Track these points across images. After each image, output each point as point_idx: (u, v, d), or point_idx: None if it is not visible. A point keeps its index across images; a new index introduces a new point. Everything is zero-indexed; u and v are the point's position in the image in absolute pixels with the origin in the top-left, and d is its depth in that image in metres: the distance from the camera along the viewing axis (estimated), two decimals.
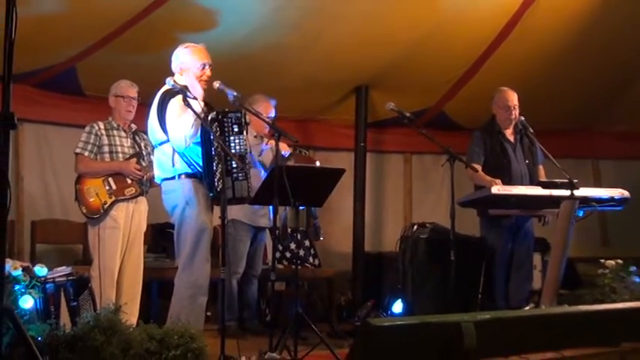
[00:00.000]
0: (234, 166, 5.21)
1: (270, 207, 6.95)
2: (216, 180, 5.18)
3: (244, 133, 5.35)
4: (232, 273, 6.72)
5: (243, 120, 5.34)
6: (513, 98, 7.03)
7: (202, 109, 5.22)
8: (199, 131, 5.22)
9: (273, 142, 6.70)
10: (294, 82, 8.03)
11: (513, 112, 7.00)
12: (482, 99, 7.30)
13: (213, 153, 5.19)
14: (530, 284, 7.19)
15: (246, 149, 5.38)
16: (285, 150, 6.76)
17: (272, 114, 6.85)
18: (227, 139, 5.24)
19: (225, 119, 5.28)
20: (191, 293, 5.29)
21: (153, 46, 6.96)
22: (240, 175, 5.25)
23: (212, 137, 5.13)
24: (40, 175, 7.64)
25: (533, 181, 6.79)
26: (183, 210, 5.32)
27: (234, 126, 5.26)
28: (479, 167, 6.81)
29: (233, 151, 5.23)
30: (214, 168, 5.19)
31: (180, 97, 5.22)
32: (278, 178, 5.35)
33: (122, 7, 6.72)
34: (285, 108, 7.43)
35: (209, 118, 5.21)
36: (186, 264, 5.32)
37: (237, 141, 5.27)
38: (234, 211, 6.56)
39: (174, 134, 5.26)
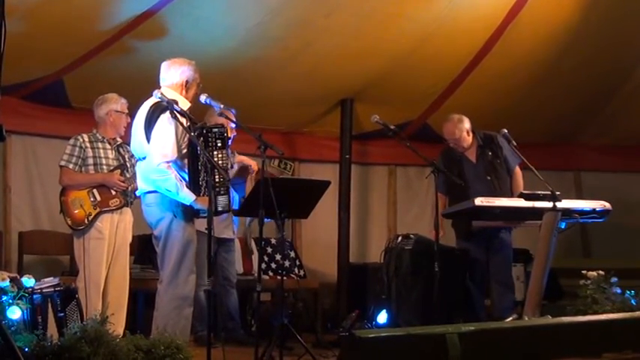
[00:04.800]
0: (217, 180, 5.23)
1: (235, 218, 7.01)
2: (200, 194, 5.22)
3: (226, 147, 5.37)
4: (198, 285, 6.69)
5: (225, 135, 5.36)
6: (452, 130, 7.15)
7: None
8: (187, 145, 5.27)
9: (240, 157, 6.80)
10: (279, 95, 8.08)
11: (454, 143, 7.15)
12: (465, 112, 7.36)
13: (199, 167, 5.23)
14: (513, 294, 7.25)
15: (227, 164, 5.40)
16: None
17: (232, 125, 6.83)
18: (211, 153, 5.25)
19: (209, 134, 5.31)
20: (177, 305, 5.28)
21: (140, 59, 7.00)
22: (221, 189, 5.26)
23: (199, 152, 5.17)
24: (27, 187, 7.66)
25: (501, 193, 6.84)
26: (170, 223, 5.31)
27: (218, 141, 5.27)
28: (441, 205, 6.89)
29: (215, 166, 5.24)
30: (199, 183, 5.24)
31: (169, 117, 5.22)
32: (264, 190, 5.39)
33: (110, 19, 6.76)
34: (271, 121, 7.48)
35: (195, 132, 5.23)
36: (172, 276, 5.30)
37: (220, 155, 5.28)
38: (198, 223, 6.51)
39: (155, 155, 5.25)
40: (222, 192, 5.26)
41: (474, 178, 7.08)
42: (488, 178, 7.08)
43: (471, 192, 6.87)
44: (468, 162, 7.16)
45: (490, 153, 7.15)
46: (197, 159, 5.22)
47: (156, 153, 5.25)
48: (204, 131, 5.29)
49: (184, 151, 5.30)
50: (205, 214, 5.26)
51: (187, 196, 5.22)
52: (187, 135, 5.23)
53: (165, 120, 5.25)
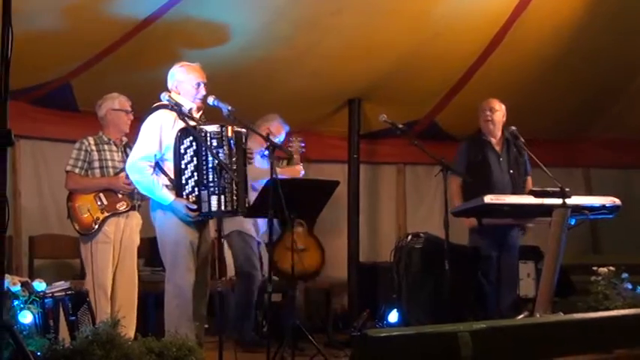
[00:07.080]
0: (210, 179, 5.23)
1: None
2: (184, 193, 5.25)
3: (224, 147, 5.29)
4: (252, 282, 6.81)
5: (223, 135, 5.27)
6: (492, 104, 7.19)
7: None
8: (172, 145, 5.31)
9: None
10: (287, 95, 8.07)
11: (488, 115, 7.15)
12: (473, 109, 7.36)
13: (182, 166, 5.26)
14: (515, 291, 7.28)
15: (219, 163, 5.22)
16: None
17: (280, 138, 6.92)
18: (204, 152, 5.23)
19: (201, 133, 5.25)
20: (177, 303, 5.32)
21: (148, 62, 7.00)
22: (216, 188, 5.24)
23: (182, 150, 5.23)
24: (37, 191, 7.67)
25: (517, 192, 6.83)
26: (161, 222, 5.41)
27: (213, 140, 5.26)
28: (455, 184, 6.95)
29: (210, 165, 5.22)
30: (182, 181, 5.26)
31: (158, 114, 5.34)
32: (273, 191, 5.39)
33: (117, 22, 6.76)
34: None
35: (178, 133, 5.28)
36: (169, 274, 5.38)
37: (212, 155, 5.25)
38: (238, 223, 6.69)
39: (133, 152, 5.45)
40: (217, 192, 5.23)
41: (496, 167, 7.09)
42: (511, 171, 7.10)
43: (492, 178, 6.91)
44: (492, 150, 7.16)
45: (515, 149, 7.15)
46: (180, 158, 5.26)
47: (134, 150, 5.41)
48: (198, 130, 5.27)
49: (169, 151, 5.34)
50: (187, 219, 5.30)
51: (165, 197, 5.28)
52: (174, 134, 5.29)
53: (149, 119, 5.38)
